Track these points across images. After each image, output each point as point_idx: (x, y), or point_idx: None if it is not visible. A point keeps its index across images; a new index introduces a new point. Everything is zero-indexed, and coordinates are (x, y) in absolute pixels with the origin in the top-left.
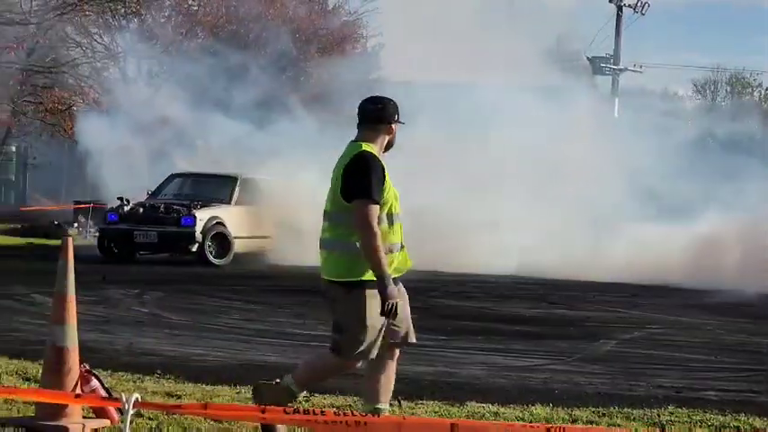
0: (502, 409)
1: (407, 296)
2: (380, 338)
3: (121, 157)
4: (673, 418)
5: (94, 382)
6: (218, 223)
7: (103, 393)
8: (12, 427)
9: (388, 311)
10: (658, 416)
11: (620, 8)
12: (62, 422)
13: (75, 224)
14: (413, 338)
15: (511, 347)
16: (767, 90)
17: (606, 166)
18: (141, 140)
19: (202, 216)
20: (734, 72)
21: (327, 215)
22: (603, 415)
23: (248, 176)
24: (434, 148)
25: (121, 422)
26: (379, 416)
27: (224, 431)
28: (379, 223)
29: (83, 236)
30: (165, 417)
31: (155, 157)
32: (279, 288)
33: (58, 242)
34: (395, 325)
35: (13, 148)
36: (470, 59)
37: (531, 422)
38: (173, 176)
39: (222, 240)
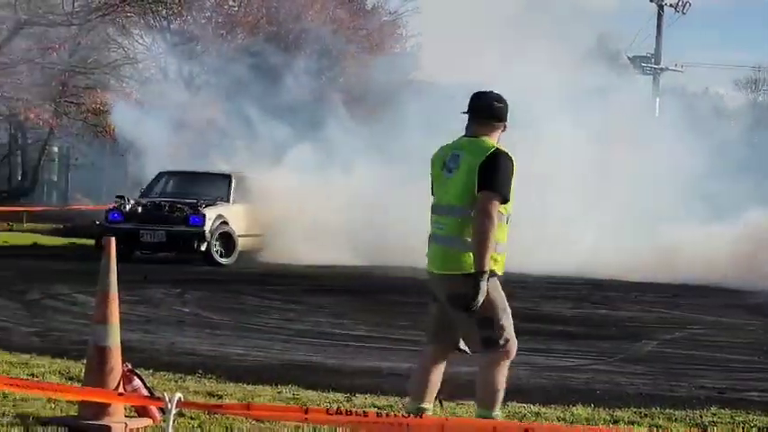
0: (543, 409)
1: None
2: None
3: (162, 158)
4: (715, 419)
5: (137, 382)
6: (223, 222)
7: (145, 393)
8: (55, 426)
9: (472, 305)
10: (701, 417)
11: (661, 7)
12: (104, 421)
13: None
14: (464, 346)
15: (552, 347)
16: None
17: (647, 165)
18: (182, 140)
19: (210, 215)
20: None
21: (449, 209)
22: (645, 416)
23: (241, 174)
24: None
25: (164, 421)
26: (421, 416)
27: (265, 431)
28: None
29: None
30: (207, 416)
31: (195, 157)
32: (319, 288)
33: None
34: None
35: (56, 149)
36: (510, 59)
37: (572, 423)
38: (162, 174)
39: (227, 239)
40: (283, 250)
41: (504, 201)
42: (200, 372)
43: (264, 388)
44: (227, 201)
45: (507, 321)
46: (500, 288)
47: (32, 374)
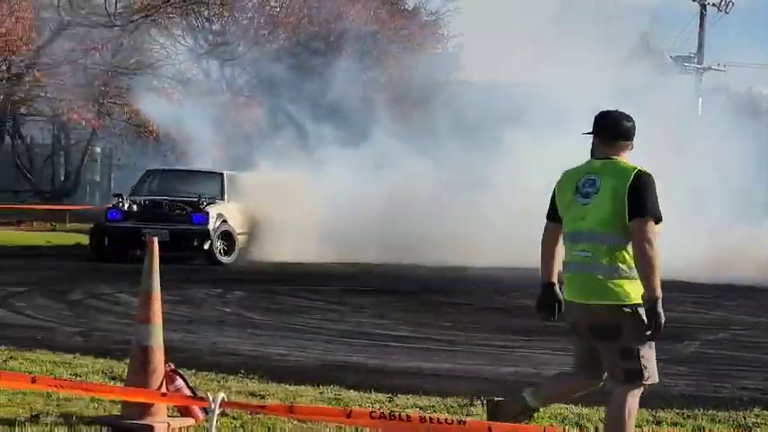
0: (585, 410)
1: None
2: None
3: (204, 158)
4: (759, 421)
5: (179, 382)
6: (224, 221)
7: (188, 393)
8: (99, 426)
9: (656, 332)
10: (744, 418)
11: (703, 7)
12: (147, 421)
13: None
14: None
15: None
16: None
17: (690, 165)
18: (224, 141)
19: (212, 213)
20: None
21: (590, 235)
22: (688, 417)
23: (231, 172)
24: (519, 149)
25: (206, 421)
26: (523, 404)
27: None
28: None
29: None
30: (249, 417)
31: (238, 158)
32: (360, 288)
33: None
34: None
35: (98, 149)
36: (552, 59)
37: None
38: (150, 172)
39: (228, 238)
40: (269, 248)
41: (658, 221)
42: (242, 372)
43: (306, 388)
44: (222, 199)
45: (650, 353)
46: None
47: (76, 374)
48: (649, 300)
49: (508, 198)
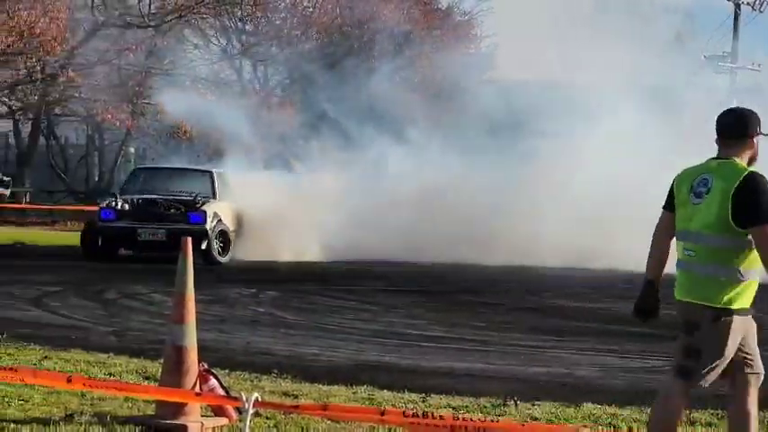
0: (618, 411)
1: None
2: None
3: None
4: None
5: (213, 382)
6: (219, 220)
7: (222, 392)
8: (133, 426)
9: None
10: None
11: (737, 6)
12: (181, 421)
13: None
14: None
15: (627, 348)
16: None
17: None
18: (257, 141)
19: (210, 212)
20: None
21: (698, 236)
22: (722, 417)
23: (219, 170)
24: (552, 150)
25: (240, 421)
26: None
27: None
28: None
29: None
30: (283, 416)
31: (271, 158)
32: (392, 289)
33: None
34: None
35: (132, 150)
36: (585, 59)
37: (647, 423)
38: (138, 171)
39: (224, 237)
40: (253, 247)
41: None
42: (276, 372)
43: (339, 388)
44: (214, 197)
45: (719, 365)
46: (741, 331)
47: (110, 374)
48: None
49: (541, 198)
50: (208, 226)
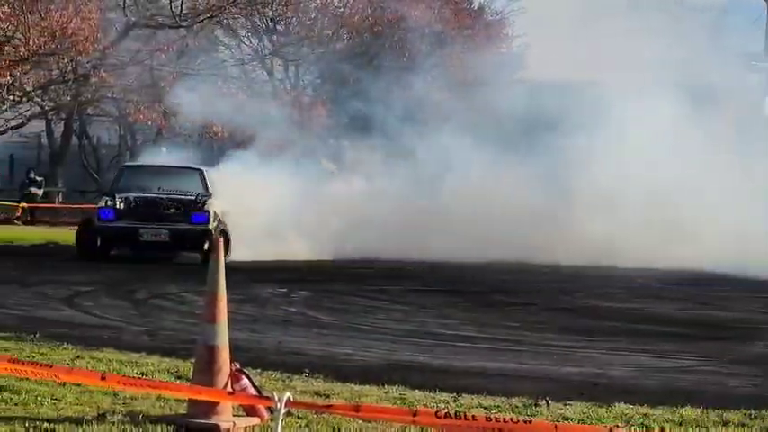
0: (651, 411)
1: None
2: None
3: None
4: None
5: (244, 381)
6: (221, 219)
7: (254, 392)
8: (165, 425)
9: None
10: None
11: None
12: (213, 420)
13: None
14: None
15: (659, 348)
16: None
17: (757, 164)
18: (288, 140)
19: (212, 211)
20: None
21: None
22: (755, 418)
23: (207, 168)
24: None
25: (272, 421)
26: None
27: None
28: None
29: None
30: (315, 416)
31: (303, 157)
32: (424, 288)
33: None
34: None
35: (164, 150)
36: (618, 58)
37: (680, 424)
38: (126, 168)
39: (225, 236)
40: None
41: None
42: (307, 371)
43: (371, 388)
44: (209, 195)
45: None
46: None
47: (142, 373)
48: None
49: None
50: (211, 226)
